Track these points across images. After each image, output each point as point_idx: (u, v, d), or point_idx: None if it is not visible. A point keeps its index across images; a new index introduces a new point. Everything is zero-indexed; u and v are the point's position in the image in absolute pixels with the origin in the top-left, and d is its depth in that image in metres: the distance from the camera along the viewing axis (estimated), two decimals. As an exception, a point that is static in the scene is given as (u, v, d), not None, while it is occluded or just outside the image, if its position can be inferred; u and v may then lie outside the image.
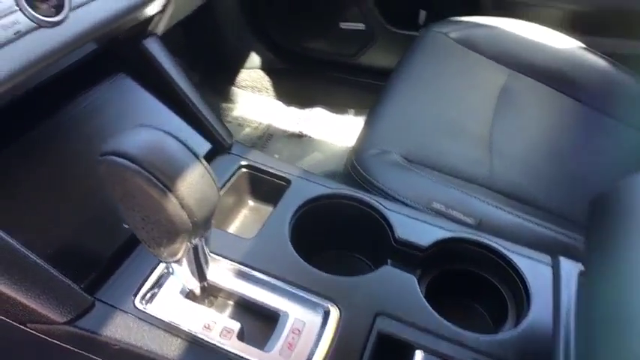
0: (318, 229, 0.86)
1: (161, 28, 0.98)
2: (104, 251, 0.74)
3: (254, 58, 2.02)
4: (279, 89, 2.07)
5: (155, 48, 0.95)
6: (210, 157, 0.94)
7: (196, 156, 0.56)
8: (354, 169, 1.03)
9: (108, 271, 0.72)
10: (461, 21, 1.41)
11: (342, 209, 0.87)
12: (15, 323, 0.66)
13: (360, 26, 1.84)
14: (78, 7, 0.70)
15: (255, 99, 2.11)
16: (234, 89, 2.12)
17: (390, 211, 0.83)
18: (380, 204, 0.84)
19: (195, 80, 2.28)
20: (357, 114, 2.00)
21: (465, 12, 1.46)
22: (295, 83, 2.05)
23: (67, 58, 0.74)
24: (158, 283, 0.72)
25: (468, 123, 1.18)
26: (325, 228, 0.86)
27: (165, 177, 0.53)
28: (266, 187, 0.93)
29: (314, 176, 0.91)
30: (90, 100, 0.88)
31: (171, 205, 0.51)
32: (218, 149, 0.96)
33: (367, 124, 1.16)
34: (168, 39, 0.99)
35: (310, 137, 1.98)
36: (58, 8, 0.66)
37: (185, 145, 0.58)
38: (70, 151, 0.83)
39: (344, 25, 1.86)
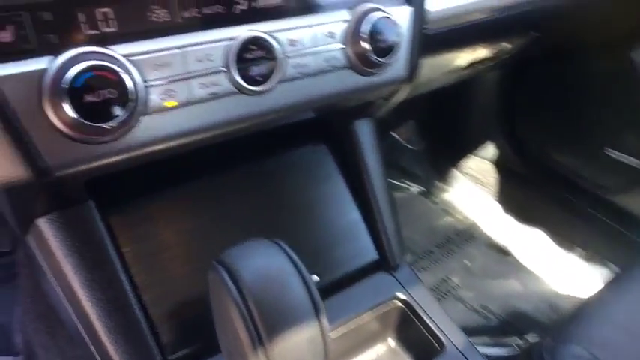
0: None
1: (383, 111, 0.88)
2: (203, 336, 0.66)
3: (490, 149, 1.80)
4: (504, 191, 1.81)
5: (365, 133, 0.85)
6: (371, 268, 0.80)
7: (317, 310, 0.44)
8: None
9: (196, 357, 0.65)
10: None
11: None
12: None
13: (633, 162, 1.46)
14: (290, 79, 0.63)
15: (472, 190, 1.89)
16: (455, 172, 1.94)
17: None
18: None
19: (420, 147, 2.20)
20: (586, 259, 1.61)
21: None
22: (524, 192, 1.76)
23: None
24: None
25: None
26: None
27: (264, 326, 0.42)
28: (414, 335, 0.75)
29: (474, 351, 0.69)
30: (275, 161, 0.83)
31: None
32: (382, 264, 0.81)
33: (584, 309, 0.86)
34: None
35: (515, 259, 1.67)
36: (265, 78, 0.60)
37: (310, 290, 0.46)
38: (232, 208, 0.79)
39: (611, 153, 1.51)
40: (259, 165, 0.83)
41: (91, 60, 0.49)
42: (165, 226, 0.74)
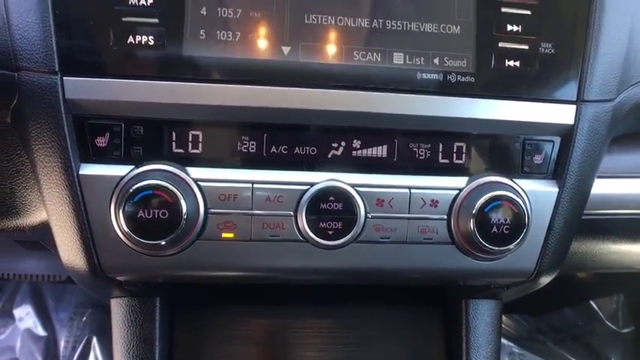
0: None
1: (512, 296, 0.70)
2: None
3: None
4: None
5: (480, 317, 0.69)
6: None
7: None
8: None
9: None
10: None
11: None
12: None
13: None
14: (369, 242, 0.54)
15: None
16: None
17: None
18: None
19: (625, 328, 1.74)
20: None
21: None
22: None
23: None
24: None
25: None
26: None
27: None
28: None
29: None
30: (368, 314, 0.72)
31: None
32: None
33: None
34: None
35: None
36: (338, 234, 0.53)
37: None
38: (303, 349, 0.70)
39: None
40: (348, 311, 0.74)
41: (155, 179, 0.50)
42: (226, 349, 0.70)
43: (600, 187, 0.64)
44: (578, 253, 0.73)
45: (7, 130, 0.53)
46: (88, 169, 0.51)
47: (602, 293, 1.82)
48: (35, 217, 0.59)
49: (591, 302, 1.83)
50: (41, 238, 0.63)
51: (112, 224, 0.51)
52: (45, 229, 0.56)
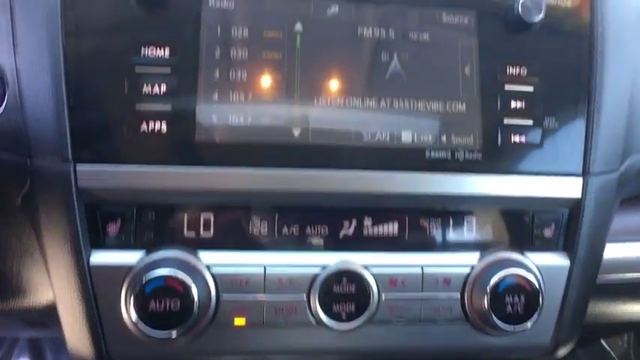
0: None
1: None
2: None
3: None
4: None
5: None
6: None
7: None
8: None
9: None
10: None
11: None
12: None
13: None
14: (383, 322, 0.54)
15: None
16: None
17: None
18: None
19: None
20: None
21: None
22: None
23: None
24: None
25: None
26: None
27: None
28: None
29: None
30: None
31: None
32: None
33: None
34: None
35: None
36: (352, 316, 0.52)
37: None
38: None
39: None
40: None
41: (167, 267, 0.49)
42: None
43: (611, 251, 0.64)
44: (590, 315, 0.72)
45: (19, 209, 0.53)
46: (99, 257, 0.51)
47: (613, 330, 1.79)
48: (42, 298, 0.58)
49: (602, 341, 1.80)
50: (47, 320, 0.62)
51: (122, 314, 0.50)
52: (51, 311, 0.55)
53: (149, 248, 0.52)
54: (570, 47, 0.57)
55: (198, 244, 0.52)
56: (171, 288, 0.49)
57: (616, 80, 0.58)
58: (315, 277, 0.52)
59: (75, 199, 0.49)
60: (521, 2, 0.54)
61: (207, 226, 0.53)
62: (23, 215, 0.53)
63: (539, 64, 0.56)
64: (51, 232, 0.51)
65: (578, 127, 0.56)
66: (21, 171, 0.50)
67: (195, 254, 0.51)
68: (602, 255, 0.60)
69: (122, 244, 0.52)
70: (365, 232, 0.55)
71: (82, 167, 0.49)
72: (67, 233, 0.50)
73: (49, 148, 0.49)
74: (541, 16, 0.54)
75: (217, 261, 0.52)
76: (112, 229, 0.51)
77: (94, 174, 0.50)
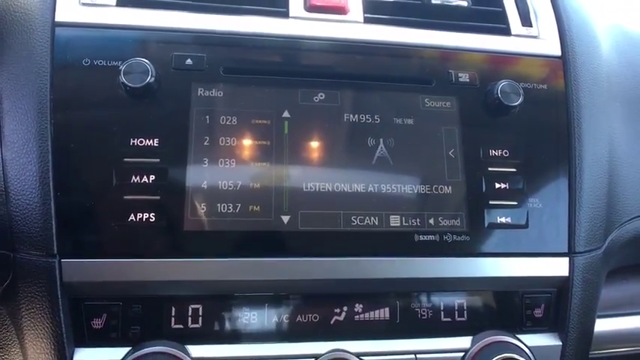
0: None
1: None
2: None
3: None
4: None
5: None
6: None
7: None
8: None
9: None
10: None
11: None
12: None
13: None
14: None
15: None
16: None
17: None
18: None
19: None
20: None
21: None
22: None
23: None
24: None
25: None
26: None
27: None
28: None
29: None
30: None
31: None
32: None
33: None
34: None
35: None
36: None
37: None
38: None
39: None
40: None
41: None
42: None
43: (602, 326, 0.64)
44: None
45: None
46: (83, 355, 0.49)
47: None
48: None
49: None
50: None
51: None
52: None
53: (135, 343, 0.50)
54: (548, 126, 0.59)
55: (187, 338, 0.51)
56: None
57: (594, 158, 0.59)
58: None
59: (59, 294, 0.48)
60: (500, 88, 0.56)
61: (195, 318, 0.51)
62: (3, 308, 0.51)
63: (521, 145, 0.58)
64: (33, 327, 0.49)
65: (561, 206, 0.57)
66: (3, 264, 0.48)
67: (184, 349, 0.50)
68: (592, 331, 0.60)
69: (107, 339, 0.50)
70: (356, 317, 0.54)
71: (67, 262, 0.48)
72: (49, 329, 0.48)
73: (33, 242, 0.48)
74: (520, 99, 0.56)
75: (207, 354, 0.50)
76: (97, 324, 0.50)
77: (79, 268, 0.48)
